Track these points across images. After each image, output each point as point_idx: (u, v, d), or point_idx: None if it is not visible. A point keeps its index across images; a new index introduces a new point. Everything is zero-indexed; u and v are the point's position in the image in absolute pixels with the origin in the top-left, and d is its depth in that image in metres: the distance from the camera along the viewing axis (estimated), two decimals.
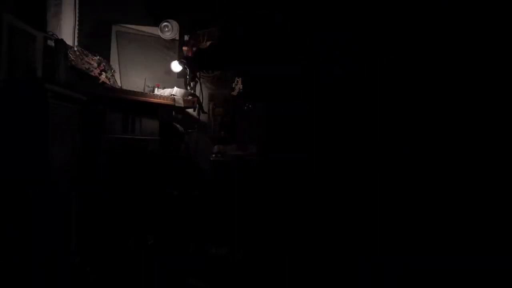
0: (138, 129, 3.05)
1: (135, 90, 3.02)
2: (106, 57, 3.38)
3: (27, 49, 2.33)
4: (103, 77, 3.12)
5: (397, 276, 2.35)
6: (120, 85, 3.33)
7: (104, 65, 3.21)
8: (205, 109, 3.42)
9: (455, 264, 2.33)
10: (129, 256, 2.60)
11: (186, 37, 3.60)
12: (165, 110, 3.28)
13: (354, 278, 2.40)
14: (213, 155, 3.08)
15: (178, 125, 3.40)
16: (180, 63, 3.52)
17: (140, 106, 3.05)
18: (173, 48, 3.73)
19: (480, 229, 2.41)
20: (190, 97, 3.32)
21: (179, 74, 3.66)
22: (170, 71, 3.55)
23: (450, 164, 2.62)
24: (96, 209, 2.70)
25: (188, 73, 3.41)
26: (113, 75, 3.29)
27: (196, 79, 3.44)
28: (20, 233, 1.93)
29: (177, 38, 3.61)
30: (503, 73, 2.56)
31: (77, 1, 3.19)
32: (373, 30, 2.85)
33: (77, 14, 3.16)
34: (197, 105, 3.40)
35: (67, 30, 3.01)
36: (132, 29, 3.54)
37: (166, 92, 3.39)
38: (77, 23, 3.16)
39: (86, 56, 3.08)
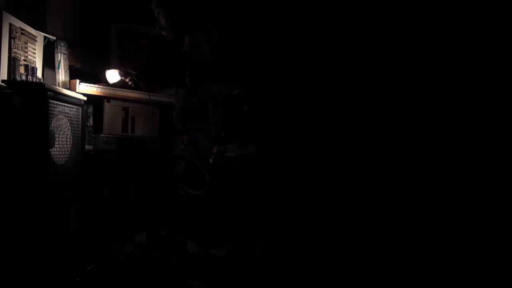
0: (138, 128, 3.05)
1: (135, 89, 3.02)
2: (107, 56, 3.37)
3: (27, 49, 2.33)
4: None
5: None
6: None
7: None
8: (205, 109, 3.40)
9: None
10: (130, 256, 2.60)
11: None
12: (166, 109, 3.27)
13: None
14: (213, 155, 3.08)
15: (178, 125, 3.39)
16: (125, 74, 2.90)
17: (140, 105, 3.05)
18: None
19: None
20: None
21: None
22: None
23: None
24: (98, 208, 2.71)
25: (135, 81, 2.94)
26: None
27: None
28: (20, 233, 1.94)
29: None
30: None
31: (77, 1, 3.18)
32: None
33: (77, 14, 3.16)
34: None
35: (67, 30, 3.01)
36: (133, 28, 3.53)
37: (166, 91, 3.38)
38: (77, 22, 3.15)
39: (87, 56, 3.08)
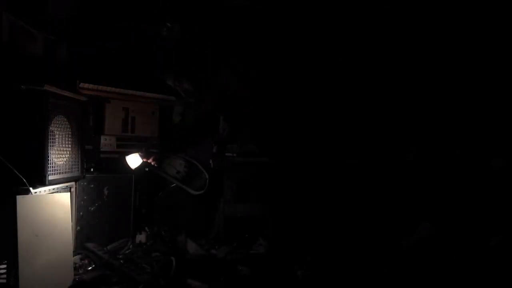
0: (138, 128, 3.05)
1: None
2: (107, 56, 3.36)
3: (28, 49, 2.33)
4: None
5: None
6: None
7: None
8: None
9: None
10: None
11: None
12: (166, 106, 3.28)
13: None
14: (213, 155, 3.08)
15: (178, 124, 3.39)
16: (147, 155, 2.85)
17: (140, 105, 3.05)
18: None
19: None
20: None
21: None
22: None
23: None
24: (98, 208, 2.70)
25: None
26: None
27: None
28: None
29: None
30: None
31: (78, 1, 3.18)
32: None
33: (78, 14, 3.15)
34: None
35: (68, 29, 3.01)
36: (134, 29, 3.53)
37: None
38: (78, 22, 3.15)
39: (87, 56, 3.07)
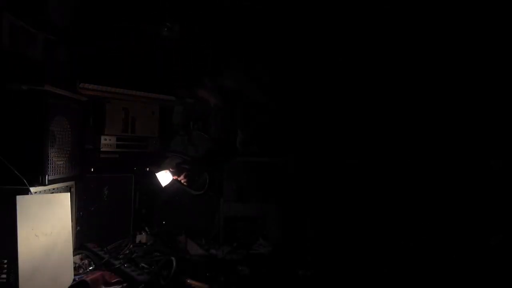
0: (138, 128, 3.05)
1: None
2: (107, 55, 3.36)
3: (28, 49, 2.33)
4: None
5: None
6: None
7: None
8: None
9: None
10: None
11: None
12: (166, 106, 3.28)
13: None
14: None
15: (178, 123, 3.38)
16: (178, 171, 2.80)
17: (140, 105, 3.05)
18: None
19: None
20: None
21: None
22: None
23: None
24: (98, 208, 2.71)
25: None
26: None
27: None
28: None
29: None
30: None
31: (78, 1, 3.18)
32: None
33: (78, 13, 3.15)
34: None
35: (68, 29, 3.00)
36: (134, 29, 3.52)
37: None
38: (78, 22, 3.15)
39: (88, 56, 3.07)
